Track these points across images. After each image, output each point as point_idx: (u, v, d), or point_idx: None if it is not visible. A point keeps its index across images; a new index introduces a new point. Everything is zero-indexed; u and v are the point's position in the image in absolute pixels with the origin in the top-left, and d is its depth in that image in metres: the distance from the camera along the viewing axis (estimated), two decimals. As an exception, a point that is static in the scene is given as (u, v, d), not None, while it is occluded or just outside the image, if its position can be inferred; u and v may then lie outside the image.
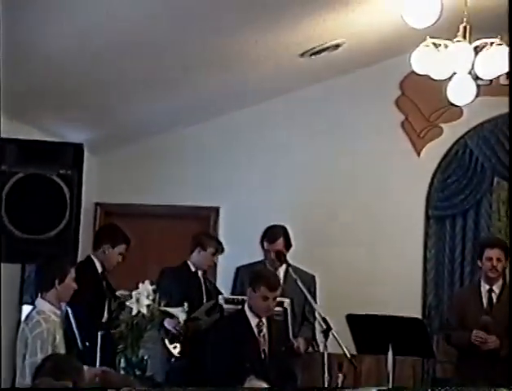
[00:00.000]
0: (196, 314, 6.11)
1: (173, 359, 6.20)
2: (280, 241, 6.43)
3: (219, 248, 6.54)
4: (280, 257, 6.37)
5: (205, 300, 6.42)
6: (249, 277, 5.89)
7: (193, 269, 6.54)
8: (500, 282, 6.27)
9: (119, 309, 5.45)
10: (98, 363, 5.21)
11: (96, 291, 5.98)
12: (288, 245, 6.51)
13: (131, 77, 6.00)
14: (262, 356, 5.67)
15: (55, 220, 5.89)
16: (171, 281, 6.25)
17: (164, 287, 5.85)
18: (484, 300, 6.25)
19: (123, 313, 5.39)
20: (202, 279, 6.58)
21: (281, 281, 6.25)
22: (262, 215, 6.92)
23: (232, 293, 6.44)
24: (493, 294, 6.25)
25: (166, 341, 6.18)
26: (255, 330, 5.69)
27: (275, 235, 6.44)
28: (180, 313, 5.67)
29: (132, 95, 6.33)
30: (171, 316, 5.71)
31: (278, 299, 5.95)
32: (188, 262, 6.55)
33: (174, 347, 6.15)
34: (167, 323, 6.03)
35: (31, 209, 5.83)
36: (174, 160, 7.53)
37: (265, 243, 6.49)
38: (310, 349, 6.37)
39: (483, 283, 6.30)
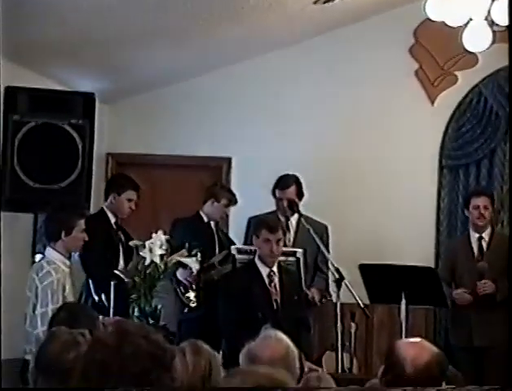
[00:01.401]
0: (209, 263, 6.16)
1: (186, 309, 6.24)
2: (292, 189, 6.44)
3: (232, 200, 6.54)
4: (293, 206, 6.39)
5: (217, 251, 6.42)
6: (253, 224, 6.01)
7: (206, 220, 6.55)
8: (488, 229, 6.42)
9: (131, 259, 5.56)
10: (111, 313, 5.32)
11: (109, 241, 6.04)
12: (300, 194, 6.51)
13: (142, 27, 5.99)
14: (275, 306, 5.71)
15: (67, 170, 5.98)
16: (184, 231, 6.24)
17: (177, 238, 5.89)
18: (475, 249, 6.36)
19: (136, 262, 5.48)
20: (215, 230, 6.59)
21: (294, 231, 6.38)
22: (274, 166, 6.86)
23: (245, 244, 6.44)
24: (483, 241, 6.39)
25: (179, 291, 6.20)
26: (266, 280, 5.71)
27: (287, 182, 6.45)
28: (193, 263, 5.73)
29: (144, 45, 6.31)
30: (184, 266, 5.78)
31: (290, 249, 6.05)
32: (201, 213, 6.55)
33: (187, 297, 6.19)
34: (180, 274, 6.05)
35: (43, 159, 5.91)
36: (186, 111, 7.46)
37: (277, 191, 6.49)
38: (323, 299, 6.40)
39: (472, 232, 6.44)
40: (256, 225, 5.85)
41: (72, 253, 5.55)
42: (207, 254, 6.09)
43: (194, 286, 6.11)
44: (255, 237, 5.73)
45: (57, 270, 5.13)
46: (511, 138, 6.52)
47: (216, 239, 6.51)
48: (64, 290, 5.14)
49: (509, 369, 5.03)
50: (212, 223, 6.56)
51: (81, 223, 5.29)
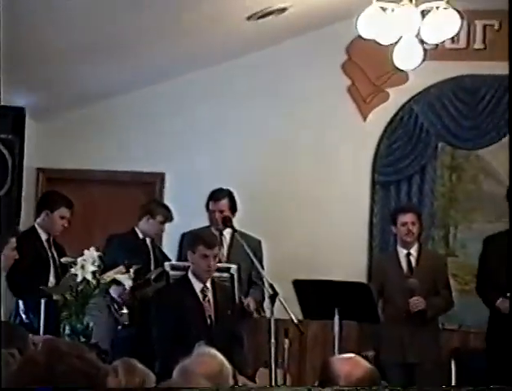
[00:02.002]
0: (144, 279, 6.13)
1: (119, 327, 6.17)
2: (225, 202, 6.44)
3: (168, 216, 6.52)
4: (226, 221, 6.34)
5: (153, 268, 6.43)
6: (188, 240, 5.95)
7: (141, 236, 6.53)
8: (416, 245, 6.44)
9: (64, 276, 5.50)
10: (41, 331, 5.24)
11: (39, 258, 5.97)
12: (233, 208, 6.50)
13: (77, 41, 5.89)
14: (208, 322, 5.65)
15: None
16: (118, 248, 6.22)
17: (111, 254, 5.88)
18: (404, 265, 6.38)
19: (67, 279, 5.41)
20: (151, 246, 6.58)
21: (227, 246, 6.37)
22: (208, 182, 6.83)
23: (178, 260, 6.40)
24: (411, 257, 6.41)
25: (113, 308, 6.16)
26: (199, 295, 5.66)
27: (219, 195, 6.45)
28: (126, 279, 5.65)
29: (77, 59, 6.22)
30: (118, 283, 5.71)
31: (224, 265, 6.06)
32: (136, 229, 6.54)
33: (121, 314, 6.13)
34: (113, 291, 5.98)
35: None
36: (118, 126, 7.42)
37: (210, 204, 6.48)
38: (256, 314, 6.40)
39: (399, 248, 6.45)
40: (192, 240, 5.80)
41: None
42: (142, 271, 6.03)
43: (127, 303, 6.07)
44: (190, 252, 5.68)
45: None
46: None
47: (152, 255, 6.51)
48: None
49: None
50: (147, 239, 6.56)
51: (13, 241, 5.24)
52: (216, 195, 6.46)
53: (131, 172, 7.29)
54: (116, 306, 6.11)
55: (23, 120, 6.04)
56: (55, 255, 6.00)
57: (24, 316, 5.64)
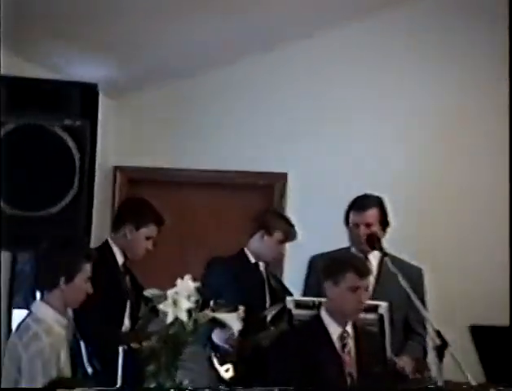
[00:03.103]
0: (258, 319, 5.37)
1: (222, 386, 5.36)
2: (374, 212, 5.54)
3: (290, 233, 5.73)
4: (373, 240, 5.45)
5: (268, 304, 5.63)
6: (325, 266, 5.11)
7: (253, 260, 5.72)
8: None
9: (148, 316, 4.65)
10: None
11: (114, 290, 5.23)
12: (384, 223, 5.61)
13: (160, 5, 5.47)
14: (348, 381, 4.79)
15: (59, 190, 5.16)
16: (222, 277, 5.55)
17: (211, 286, 5.15)
18: None
19: (154, 320, 4.58)
20: (265, 274, 5.76)
21: (374, 276, 5.54)
22: (345, 186, 6.13)
23: (305, 294, 5.55)
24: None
25: (215, 361, 5.44)
26: (337, 344, 4.84)
27: (366, 203, 5.58)
28: (234, 321, 4.77)
29: (162, 24, 5.75)
30: (222, 325, 4.92)
31: (371, 302, 5.13)
32: (246, 251, 5.71)
33: (226, 370, 5.42)
34: (216, 336, 5.30)
35: (25, 175, 5.10)
36: (220, 109, 6.69)
37: (351, 215, 5.59)
38: (413, 375, 5.43)
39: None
40: (335, 266, 4.93)
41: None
42: (253, 308, 5.24)
43: (235, 353, 5.34)
44: (331, 284, 4.87)
45: (50, 331, 4.41)
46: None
47: (266, 286, 5.73)
48: (58, 359, 4.40)
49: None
50: (261, 265, 5.72)
51: (87, 269, 4.56)
52: (361, 203, 5.57)
53: (242, 172, 6.63)
54: (218, 358, 5.41)
55: (95, 101, 5.24)
56: (131, 287, 5.33)
57: (89, 369, 4.93)
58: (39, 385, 4.25)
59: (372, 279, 5.41)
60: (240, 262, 5.68)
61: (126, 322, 5.14)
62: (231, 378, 5.41)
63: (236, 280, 5.50)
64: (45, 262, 4.61)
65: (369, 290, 5.03)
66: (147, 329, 4.54)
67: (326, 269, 5.08)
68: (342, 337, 4.83)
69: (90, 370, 4.88)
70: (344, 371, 4.76)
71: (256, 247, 5.68)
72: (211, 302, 4.80)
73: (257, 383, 5.12)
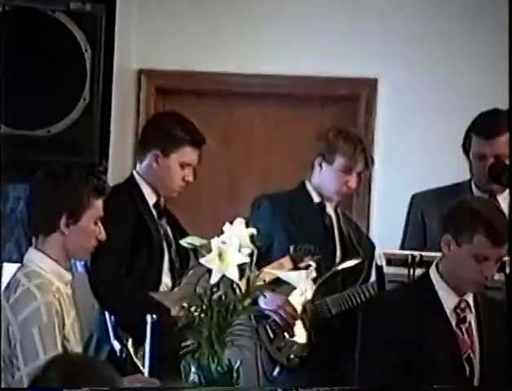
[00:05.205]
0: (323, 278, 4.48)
1: (276, 370, 4.51)
2: (505, 138, 4.54)
3: (357, 160, 4.72)
4: (498, 171, 4.52)
5: (338, 257, 4.69)
6: (446, 216, 4.12)
7: (316, 199, 4.77)
8: None
9: (198, 271, 4.10)
10: (146, 371, 3.93)
11: (144, 239, 4.50)
12: None
13: None
14: (467, 367, 3.91)
15: (63, 101, 4.57)
16: (277, 220, 4.70)
17: (264, 232, 4.39)
18: None
19: (192, 278, 4.21)
20: (334, 217, 4.79)
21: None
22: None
23: (402, 246, 4.70)
24: None
25: (268, 334, 4.55)
26: (451, 317, 4.00)
27: (496, 124, 4.56)
28: (300, 280, 3.95)
29: None
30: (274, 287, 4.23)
31: None
32: (307, 185, 4.79)
33: (291, 345, 4.51)
34: (264, 302, 4.27)
35: (21, 80, 4.50)
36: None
37: (474, 142, 4.56)
38: None
39: None
40: (459, 220, 4.02)
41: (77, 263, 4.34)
42: (320, 263, 4.38)
43: (293, 326, 4.50)
44: (451, 238, 3.99)
45: (46, 288, 3.75)
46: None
47: (337, 234, 4.80)
48: (63, 324, 3.76)
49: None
50: (328, 205, 4.76)
51: (99, 205, 3.89)
52: (489, 124, 4.60)
53: (310, 77, 5.52)
54: (274, 330, 4.53)
55: (110, -23, 4.57)
56: (170, 232, 4.54)
57: (116, 343, 4.14)
58: (40, 362, 3.51)
59: None
60: (299, 201, 4.78)
61: (166, 279, 4.40)
62: (287, 359, 4.45)
63: (296, 225, 4.63)
64: (40, 196, 3.90)
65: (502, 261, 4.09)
66: (187, 291, 4.03)
67: (447, 220, 4.08)
68: (459, 309, 3.97)
69: (117, 346, 4.07)
70: (461, 351, 3.87)
71: (319, 180, 4.75)
72: (291, 248, 4.28)
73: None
